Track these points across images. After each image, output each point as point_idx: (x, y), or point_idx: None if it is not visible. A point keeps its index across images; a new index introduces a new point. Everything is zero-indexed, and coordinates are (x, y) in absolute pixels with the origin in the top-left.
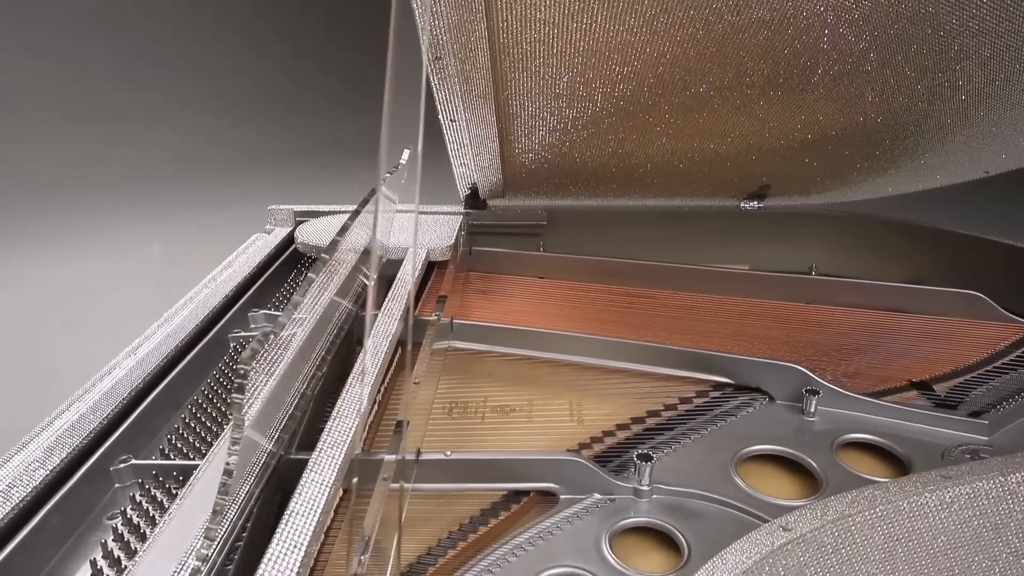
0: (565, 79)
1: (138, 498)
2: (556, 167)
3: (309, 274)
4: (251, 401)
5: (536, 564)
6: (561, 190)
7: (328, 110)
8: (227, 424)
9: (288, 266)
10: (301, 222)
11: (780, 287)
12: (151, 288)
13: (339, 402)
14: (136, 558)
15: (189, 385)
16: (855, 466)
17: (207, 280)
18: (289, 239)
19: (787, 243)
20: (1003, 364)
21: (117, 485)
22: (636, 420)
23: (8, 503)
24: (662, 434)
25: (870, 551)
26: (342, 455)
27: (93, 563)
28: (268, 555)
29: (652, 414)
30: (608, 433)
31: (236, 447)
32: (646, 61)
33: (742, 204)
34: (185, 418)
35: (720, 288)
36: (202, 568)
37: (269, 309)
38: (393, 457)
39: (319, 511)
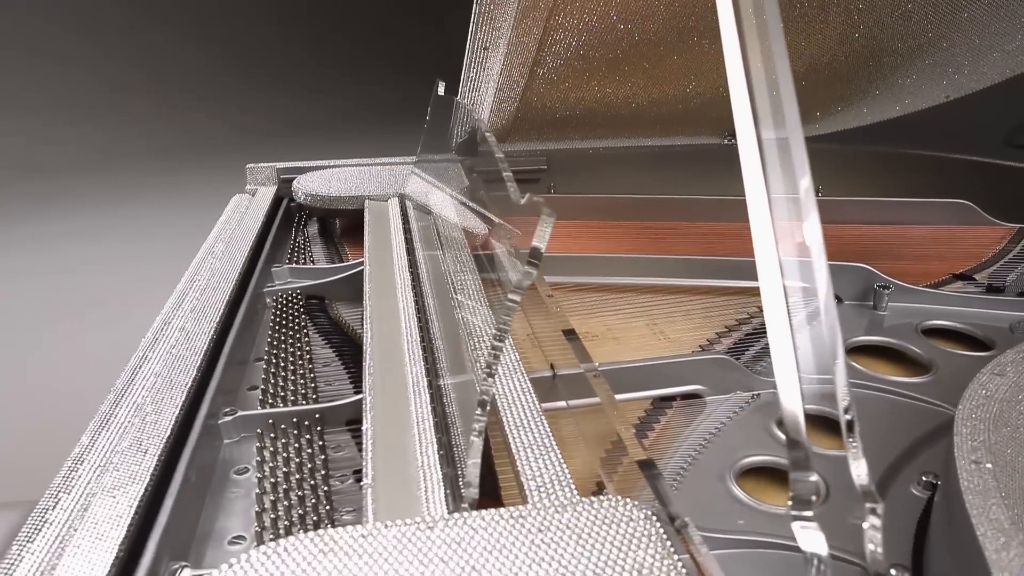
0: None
1: (265, 448)
2: (557, 108)
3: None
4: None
5: (725, 458)
6: (556, 132)
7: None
8: (310, 374)
9: (286, 222)
10: (285, 180)
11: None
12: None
13: (477, 327)
14: (365, 488)
15: (246, 341)
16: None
17: (214, 239)
18: (279, 196)
19: None
20: (1016, 255)
21: (225, 440)
22: (731, 328)
23: (148, 456)
24: (763, 338)
25: None
26: (524, 375)
27: (259, 515)
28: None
29: (742, 322)
30: (713, 341)
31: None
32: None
33: (726, 141)
34: (271, 369)
35: (735, 216)
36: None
37: (289, 264)
38: (583, 368)
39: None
